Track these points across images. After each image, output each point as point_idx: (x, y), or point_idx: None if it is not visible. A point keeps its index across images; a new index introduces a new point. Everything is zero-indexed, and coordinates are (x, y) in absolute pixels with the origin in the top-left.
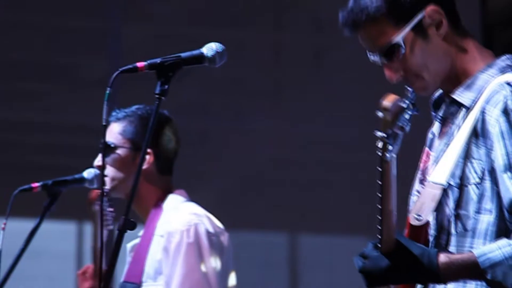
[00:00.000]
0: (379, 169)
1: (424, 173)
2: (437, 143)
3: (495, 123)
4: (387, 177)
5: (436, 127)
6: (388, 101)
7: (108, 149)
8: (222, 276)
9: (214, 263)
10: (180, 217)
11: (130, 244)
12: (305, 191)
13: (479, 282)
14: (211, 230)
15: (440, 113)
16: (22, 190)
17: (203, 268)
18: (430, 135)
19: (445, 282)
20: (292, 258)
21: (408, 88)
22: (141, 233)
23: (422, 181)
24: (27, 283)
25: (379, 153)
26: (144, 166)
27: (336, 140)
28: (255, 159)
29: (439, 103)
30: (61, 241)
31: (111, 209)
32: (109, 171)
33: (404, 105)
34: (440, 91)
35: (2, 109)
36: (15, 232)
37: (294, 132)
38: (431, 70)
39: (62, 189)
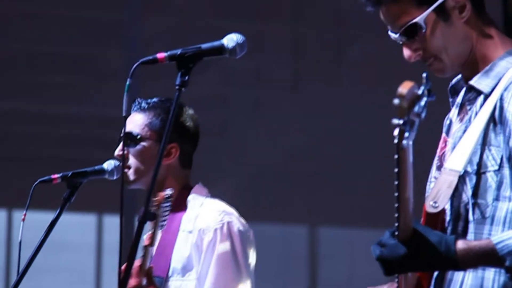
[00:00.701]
0: (396, 156)
1: (441, 160)
2: (454, 129)
3: None
4: (403, 164)
5: (453, 113)
6: (404, 87)
7: (132, 140)
8: (253, 272)
9: (246, 260)
10: (211, 214)
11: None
12: (325, 184)
13: (497, 269)
14: (241, 228)
15: (458, 99)
16: (41, 182)
17: (236, 266)
18: (447, 121)
19: (463, 269)
20: (311, 250)
21: (424, 75)
22: None
23: (439, 168)
24: (47, 275)
25: (396, 141)
26: (169, 160)
27: (357, 133)
28: (275, 151)
29: (456, 89)
30: (81, 233)
31: (166, 210)
32: (133, 162)
33: (420, 92)
34: (459, 76)
35: (22, 102)
36: (35, 224)
37: (314, 124)
38: (450, 53)
39: (81, 181)
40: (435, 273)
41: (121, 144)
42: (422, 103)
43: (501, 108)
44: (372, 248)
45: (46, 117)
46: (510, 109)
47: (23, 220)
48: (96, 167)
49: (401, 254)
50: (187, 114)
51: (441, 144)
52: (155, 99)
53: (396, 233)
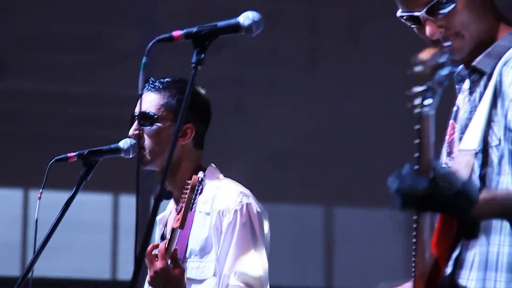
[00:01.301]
0: (417, 127)
1: (450, 146)
2: (461, 113)
3: (511, 82)
4: (425, 134)
5: (460, 99)
6: (425, 54)
7: (148, 120)
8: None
9: (264, 242)
10: (229, 195)
11: (159, 217)
12: (341, 164)
13: (500, 242)
14: (259, 209)
15: (464, 86)
16: (57, 160)
17: (256, 247)
18: (455, 108)
19: (480, 216)
20: (327, 231)
21: (445, 43)
22: (171, 206)
23: (449, 154)
24: (62, 254)
25: (417, 110)
26: (185, 141)
27: (373, 113)
28: (290, 131)
29: (462, 76)
30: (97, 213)
31: (198, 193)
32: (148, 143)
33: (443, 60)
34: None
35: (38, 82)
36: (51, 203)
37: (330, 103)
38: (472, 30)
39: (97, 159)
40: (455, 254)
41: (136, 123)
42: (445, 72)
43: (500, 82)
44: (389, 180)
45: (62, 97)
46: (507, 81)
47: (39, 199)
48: (112, 146)
49: (422, 188)
50: (201, 94)
51: (449, 131)
52: (168, 79)
53: (417, 167)
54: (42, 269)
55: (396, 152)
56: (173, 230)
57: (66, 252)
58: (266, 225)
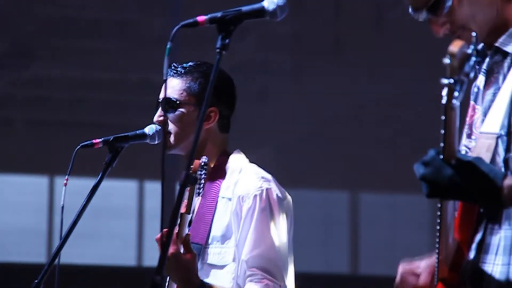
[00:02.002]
0: (443, 118)
1: (471, 128)
2: (483, 95)
3: None
4: (451, 125)
5: (480, 80)
6: (455, 46)
7: (171, 105)
8: (290, 239)
9: (285, 227)
10: (250, 181)
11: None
12: (365, 149)
13: None
14: (280, 195)
15: (484, 66)
16: (83, 146)
17: (275, 232)
18: (474, 89)
19: (506, 204)
20: (353, 216)
21: (473, 34)
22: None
23: (469, 136)
24: (88, 240)
25: (445, 101)
26: (209, 124)
27: (398, 97)
28: (315, 116)
29: (481, 57)
30: (123, 199)
31: (202, 177)
32: (173, 128)
33: (470, 51)
34: (482, 44)
35: (64, 68)
36: (77, 189)
37: (354, 89)
38: (478, 21)
39: (123, 145)
40: (477, 238)
41: (160, 109)
42: (471, 62)
43: None
44: (415, 167)
45: (88, 83)
46: None
47: (65, 185)
48: (138, 132)
49: (447, 176)
50: (225, 77)
51: (470, 112)
52: (191, 63)
53: (441, 156)
54: (68, 256)
55: (423, 136)
56: (182, 216)
57: (92, 239)
58: (288, 211)
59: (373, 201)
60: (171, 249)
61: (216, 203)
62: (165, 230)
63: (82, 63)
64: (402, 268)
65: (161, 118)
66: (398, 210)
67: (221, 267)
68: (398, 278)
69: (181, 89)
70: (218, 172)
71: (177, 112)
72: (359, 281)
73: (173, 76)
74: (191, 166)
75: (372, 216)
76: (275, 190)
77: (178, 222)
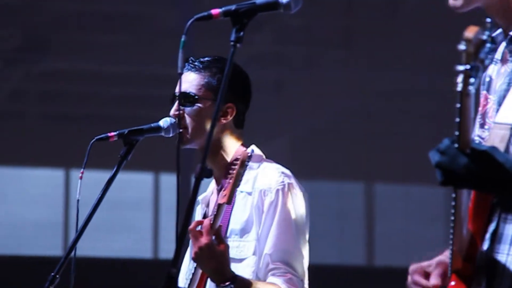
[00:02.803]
0: (458, 105)
1: (484, 117)
2: (496, 85)
3: None
4: (466, 113)
5: (492, 69)
6: (470, 32)
7: (188, 100)
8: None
9: (306, 222)
10: (271, 175)
11: (200, 197)
12: (381, 140)
13: None
14: (300, 190)
15: (497, 55)
16: (98, 139)
17: (297, 227)
18: (486, 78)
19: None
20: (368, 207)
21: (488, 20)
22: (212, 186)
23: (482, 125)
24: (104, 233)
25: (460, 88)
26: (226, 120)
27: (412, 89)
28: (330, 108)
29: (495, 46)
30: (138, 192)
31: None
32: (189, 122)
33: (485, 37)
34: (498, 31)
35: (78, 61)
36: (92, 182)
37: (368, 80)
38: (493, 6)
39: (138, 138)
40: (491, 228)
41: (177, 103)
42: (486, 49)
43: None
44: (430, 154)
45: (103, 76)
46: None
47: (81, 178)
48: (152, 125)
49: (462, 164)
50: (241, 73)
51: (482, 102)
52: (208, 58)
53: (456, 145)
54: (84, 248)
55: (437, 127)
56: (219, 206)
57: (107, 232)
58: (306, 206)
59: (388, 192)
60: (205, 240)
61: (234, 197)
62: (196, 221)
63: (96, 57)
64: (412, 268)
65: (178, 112)
66: (413, 201)
67: (240, 260)
68: (409, 279)
69: (199, 84)
70: (235, 167)
71: (194, 107)
72: (375, 273)
73: (190, 70)
74: (239, 156)
75: (387, 207)
76: (296, 186)
77: (215, 212)
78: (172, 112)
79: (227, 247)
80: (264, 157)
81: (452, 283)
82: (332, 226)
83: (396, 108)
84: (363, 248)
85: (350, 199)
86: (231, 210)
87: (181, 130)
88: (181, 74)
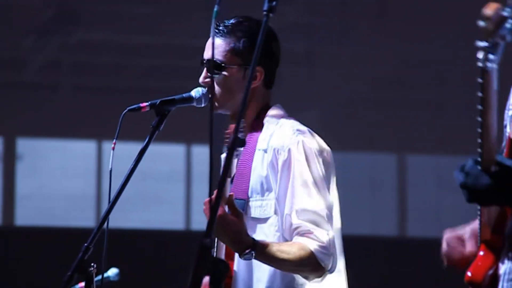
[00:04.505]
0: (480, 80)
1: None
2: None
3: None
4: (487, 88)
5: None
6: (489, 9)
7: (215, 67)
8: (333, 188)
9: (322, 178)
10: (285, 133)
11: (223, 155)
12: (412, 112)
13: None
14: (316, 146)
15: None
16: (130, 110)
17: (314, 183)
18: None
19: None
20: (400, 178)
21: None
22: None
23: None
24: (136, 204)
25: (480, 64)
26: (256, 84)
27: (445, 60)
28: (361, 79)
29: None
30: (170, 163)
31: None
32: (218, 89)
33: (506, 14)
34: None
35: (109, 33)
36: (125, 153)
37: (401, 52)
38: None
39: (170, 108)
40: None
41: (205, 70)
42: (508, 25)
43: None
44: (455, 174)
45: (134, 48)
46: None
47: (113, 149)
48: (184, 95)
49: (485, 184)
50: (269, 34)
51: None
52: (233, 21)
53: (479, 161)
54: (117, 220)
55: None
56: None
57: (139, 202)
58: (325, 163)
59: (420, 163)
60: (219, 211)
61: (253, 155)
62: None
63: (127, 28)
64: (447, 235)
65: (207, 80)
66: (444, 172)
67: (264, 220)
68: (444, 246)
69: (225, 50)
70: (257, 126)
71: (221, 74)
72: (407, 244)
73: (216, 35)
74: (228, 131)
75: (419, 178)
76: (311, 142)
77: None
78: (201, 79)
79: (241, 215)
80: (285, 115)
81: (481, 253)
82: (364, 197)
83: (429, 78)
84: (395, 219)
85: (382, 170)
86: (250, 169)
87: (210, 97)
88: (213, 44)
